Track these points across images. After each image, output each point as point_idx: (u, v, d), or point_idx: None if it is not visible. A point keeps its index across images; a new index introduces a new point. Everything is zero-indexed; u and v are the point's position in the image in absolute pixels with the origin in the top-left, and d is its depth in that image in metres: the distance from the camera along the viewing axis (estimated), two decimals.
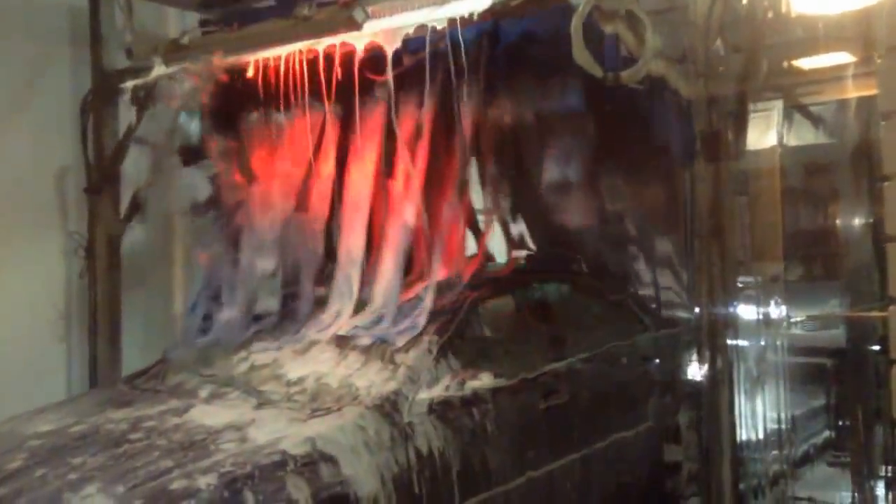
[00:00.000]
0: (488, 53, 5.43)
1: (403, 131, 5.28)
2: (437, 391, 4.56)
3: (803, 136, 6.49)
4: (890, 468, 5.64)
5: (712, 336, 4.57)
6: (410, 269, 5.41)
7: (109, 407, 4.70)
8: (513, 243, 6.54)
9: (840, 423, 6.76)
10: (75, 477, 3.75)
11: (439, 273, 5.18)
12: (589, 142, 6.09)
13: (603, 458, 5.38)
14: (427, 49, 4.98)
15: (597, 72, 4.41)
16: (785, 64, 5.44)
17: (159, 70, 6.05)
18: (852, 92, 5.43)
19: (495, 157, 5.79)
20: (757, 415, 5.76)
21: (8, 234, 6.25)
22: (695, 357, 5.15)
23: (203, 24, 6.60)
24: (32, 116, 6.43)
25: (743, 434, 5.49)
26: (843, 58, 5.33)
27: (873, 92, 4.23)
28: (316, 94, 5.44)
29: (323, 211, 5.50)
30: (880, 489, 5.90)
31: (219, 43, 5.80)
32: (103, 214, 6.54)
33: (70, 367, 6.68)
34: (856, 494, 6.03)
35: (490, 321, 5.14)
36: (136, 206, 6.45)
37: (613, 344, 5.77)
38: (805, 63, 5.51)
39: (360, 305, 5.19)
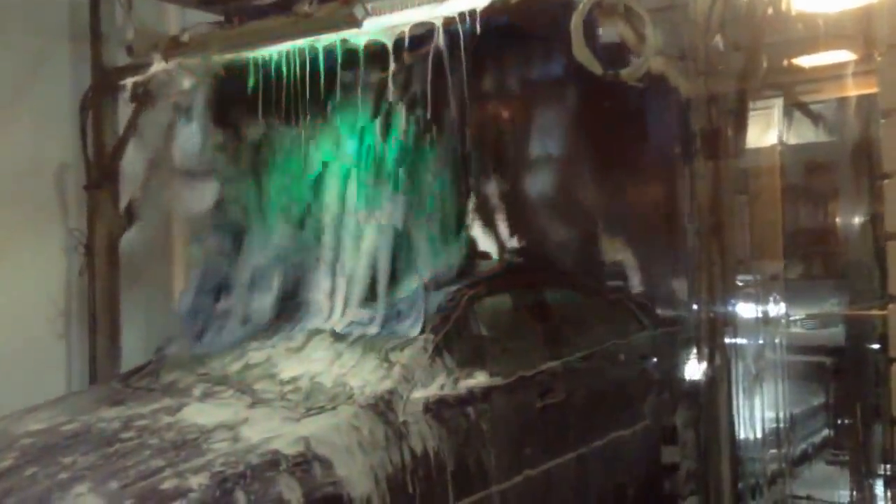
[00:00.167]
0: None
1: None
2: (433, 390, 4.53)
3: (803, 134, 6.47)
4: (888, 466, 5.62)
5: (712, 334, 4.58)
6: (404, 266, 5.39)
7: (102, 405, 4.68)
8: (507, 241, 6.52)
9: (839, 421, 6.76)
10: (66, 476, 3.74)
11: (434, 270, 5.16)
12: (586, 138, 6.07)
13: (600, 457, 5.37)
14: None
15: (596, 69, 4.40)
16: (785, 62, 5.43)
17: (158, 67, 6.05)
18: (852, 90, 5.43)
19: (488, 152, 5.78)
20: (756, 413, 5.75)
21: (7, 231, 6.23)
22: (694, 355, 5.13)
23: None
24: (32, 113, 6.41)
25: (742, 432, 5.48)
26: (843, 56, 5.33)
27: (873, 90, 4.24)
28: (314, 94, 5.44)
29: (319, 208, 5.49)
30: (879, 487, 5.89)
31: (219, 40, 5.80)
32: (103, 211, 6.53)
33: (70, 364, 6.67)
34: (854, 493, 6.02)
35: (486, 319, 5.12)
36: (133, 214, 6.47)
37: (611, 342, 5.76)
38: (805, 61, 5.50)
39: (355, 304, 5.17)
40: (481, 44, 4.86)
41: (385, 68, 5.13)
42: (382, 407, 4.30)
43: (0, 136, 6.22)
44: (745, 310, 5.75)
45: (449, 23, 4.86)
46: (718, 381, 4.60)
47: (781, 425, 5.94)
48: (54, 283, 6.63)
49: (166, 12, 7.00)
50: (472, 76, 4.99)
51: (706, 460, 4.67)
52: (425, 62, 5.09)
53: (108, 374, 6.29)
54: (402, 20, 5.04)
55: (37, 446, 4.14)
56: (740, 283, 5.34)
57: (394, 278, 5.17)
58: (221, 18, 6.29)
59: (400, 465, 4.18)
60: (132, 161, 6.41)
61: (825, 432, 6.92)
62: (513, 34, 5.70)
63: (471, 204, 5.80)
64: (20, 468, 3.90)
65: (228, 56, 5.68)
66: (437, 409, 4.47)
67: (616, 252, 6.62)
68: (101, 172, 6.53)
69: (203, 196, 5.72)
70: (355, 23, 5.15)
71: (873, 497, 5.93)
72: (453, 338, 4.83)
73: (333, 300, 5.20)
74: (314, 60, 5.34)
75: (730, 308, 4.70)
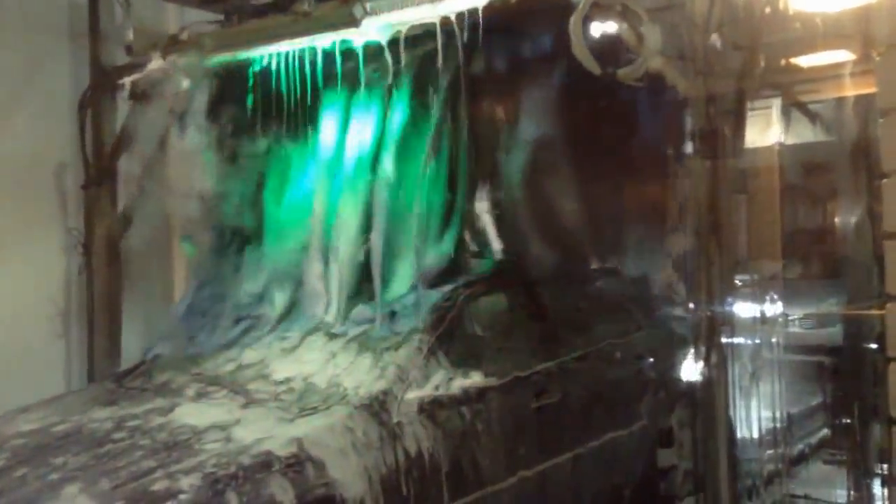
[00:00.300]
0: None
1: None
2: (427, 390, 4.51)
3: (802, 133, 6.44)
4: (886, 466, 5.60)
5: (709, 334, 4.56)
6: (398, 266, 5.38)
7: (94, 406, 4.68)
8: (501, 240, 6.50)
9: (837, 420, 6.75)
10: (56, 477, 3.74)
11: (427, 269, 5.15)
12: (583, 137, 6.06)
13: (596, 458, 5.35)
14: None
15: (595, 69, 4.39)
16: (783, 61, 5.40)
17: (157, 65, 6.05)
18: (851, 89, 5.39)
19: (485, 153, 5.77)
20: (753, 413, 5.73)
21: (6, 230, 6.24)
22: (691, 355, 5.12)
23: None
24: (30, 112, 6.42)
25: (739, 432, 5.47)
26: (841, 55, 5.29)
27: (872, 89, 4.20)
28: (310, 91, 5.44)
29: (314, 209, 5.48)
30: (876, 487, 5.88)
31: (218, 39, 5.80)
32: (101, 211, 6.55)
33: (69, 363, 6.69)
34: (852, 492, 6.01)
35: (481, 319, 5.09)
36: (131, 214, 6.47)
37: (607, 342, 5.74)
38: (803, 60, 5.47)
39: (351, 303, 5.16)
40: (478, 42, 4.87)
41: (379, 66, 5.13)
42: (377, 407, 4.30)
43: None
44: (743, 309, 5.73)
45: (447, 23, 4.86)
46: (716, 380, 4.58)
47: (779, 425, 5.92)
48: (53, 282, 6.65)
49: (165, 11, 7.02)
50: (466, 73, 5.00)
51: (704, 460, 4.66)
52: (421, 60, 5.10)
53: (107, 373, 6.28)
54: (401, 19, 5.05)
55: (28, 447, 4.14)
56: (738, 283, 5.32)
57: (387, 277, 5.14)
58: (221, 17, 6.29)
59: (394, 465, 4.17)
60: (131, 160, 6.43)
61: (823, 432, 6.91)
62: (511, 33, 5.71)
63: (464, 203, 5.77)
64: (10, 469, 3.90)
65: (226, 56, 5.68)
66: (431, 409, 4.45)
67: (613, 252, 6.60)
68: (99, 171, 6.55)
69: (200, 195, 5.72)
70: (354, 22, 5.15)
71: (871, 496, 5.92)
72: (448, 338, 4.81)
73: (328, 299, 5.19)
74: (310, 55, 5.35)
75: (728, 308, 4.68)
